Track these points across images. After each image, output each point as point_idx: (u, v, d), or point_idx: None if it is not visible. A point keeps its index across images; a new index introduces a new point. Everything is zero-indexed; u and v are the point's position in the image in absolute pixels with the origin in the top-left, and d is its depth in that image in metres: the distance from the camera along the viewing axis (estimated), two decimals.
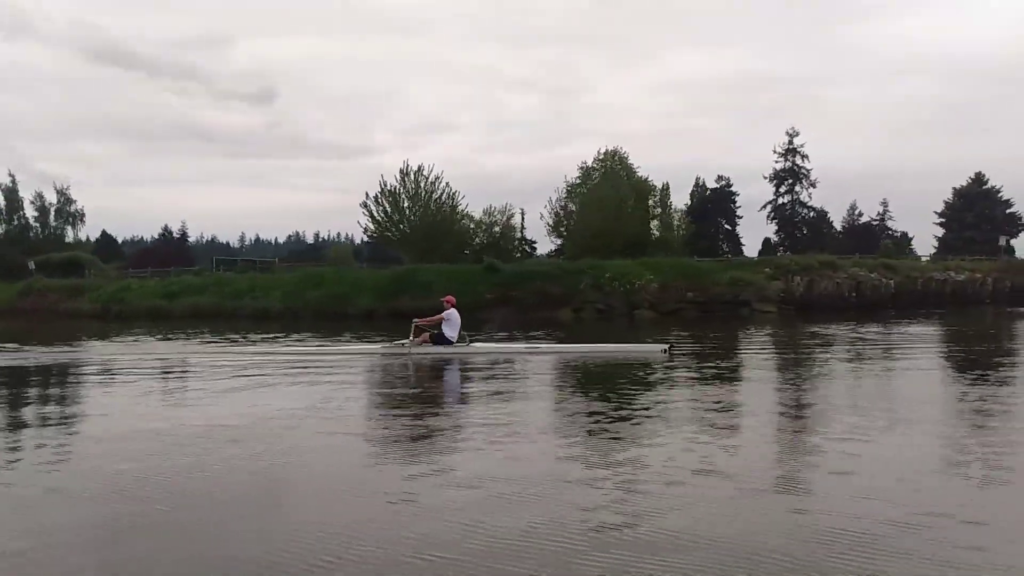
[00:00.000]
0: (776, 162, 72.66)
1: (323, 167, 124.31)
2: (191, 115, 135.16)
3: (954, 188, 58.39)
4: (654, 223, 70.40)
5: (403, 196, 39.14)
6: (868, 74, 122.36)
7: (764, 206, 74.94)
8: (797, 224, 73.25)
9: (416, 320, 14.24)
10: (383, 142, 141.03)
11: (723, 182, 71.78)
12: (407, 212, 39.24)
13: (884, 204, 69.68)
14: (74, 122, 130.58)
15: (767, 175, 73.51)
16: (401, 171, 39.42)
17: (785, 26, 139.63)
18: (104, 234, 78.89)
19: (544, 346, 14.90)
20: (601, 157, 66.75)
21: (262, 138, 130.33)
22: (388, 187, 39.31)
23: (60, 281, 43.62)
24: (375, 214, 39.40)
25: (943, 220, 59.42)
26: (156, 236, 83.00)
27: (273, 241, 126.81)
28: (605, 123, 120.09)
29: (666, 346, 13.72)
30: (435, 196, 39.94)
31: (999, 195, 56.77)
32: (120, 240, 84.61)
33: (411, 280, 31.06)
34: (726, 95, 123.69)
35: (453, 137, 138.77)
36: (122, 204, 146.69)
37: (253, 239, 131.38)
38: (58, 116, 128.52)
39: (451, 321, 13.95)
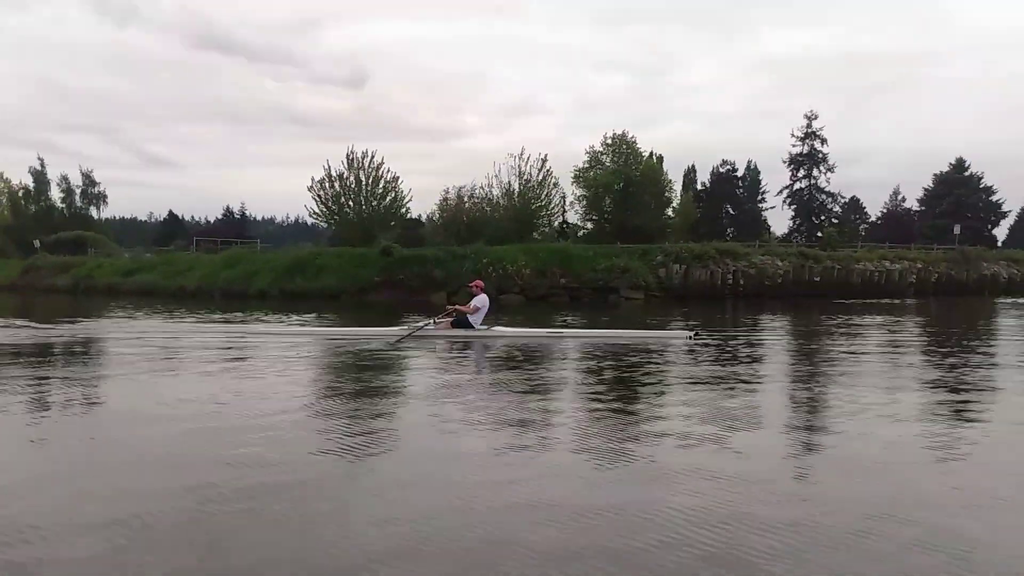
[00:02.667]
0: (793, 146, 71.23)
1: (413, 149, 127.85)
2: (286, 99, 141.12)
3: (934, 174, 56.34)
4: (669, 209, 70.82)
5: (348, 181, 41.03)
6: (976, 51, 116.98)
7: (780, 191, 73.86)
8: (815, 210, 71.51)
9: (449, 307, 14.71)
10: (473, 124, 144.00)
11: (728, 167, 71.02)
12: (349, 198, 41.16)
13: (895, 191, 67.66)
14: (179, 106, 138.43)
15: (784, 159, 72.47)
16: (347, 156, 41.29)
17: (886, 0, 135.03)
18: (171, 214, 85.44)
19: (568, 332, 15.03)
20: (609, 141, 67.40)
21: (354, 121, 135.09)
22: (334, 173, 41.28)
23: (57, 258, 47.57)
24: (321, 200, 41.48)
25: (922, 208, 57.45)
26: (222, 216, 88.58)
27: None
28: (696, 103, 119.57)
29: (691, 332, 13.79)
30: (380, 184, 41.62)
31: (980, 182, 54.43)
32: (213, 219, 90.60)
33: (310, 263, 33.02)
34: (824, 74, 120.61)
35: (541, 118, 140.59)
36: (218, 185, 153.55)
37: None
38: (164, 100, 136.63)
39: (481, 308, 14.02)
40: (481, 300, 14.09)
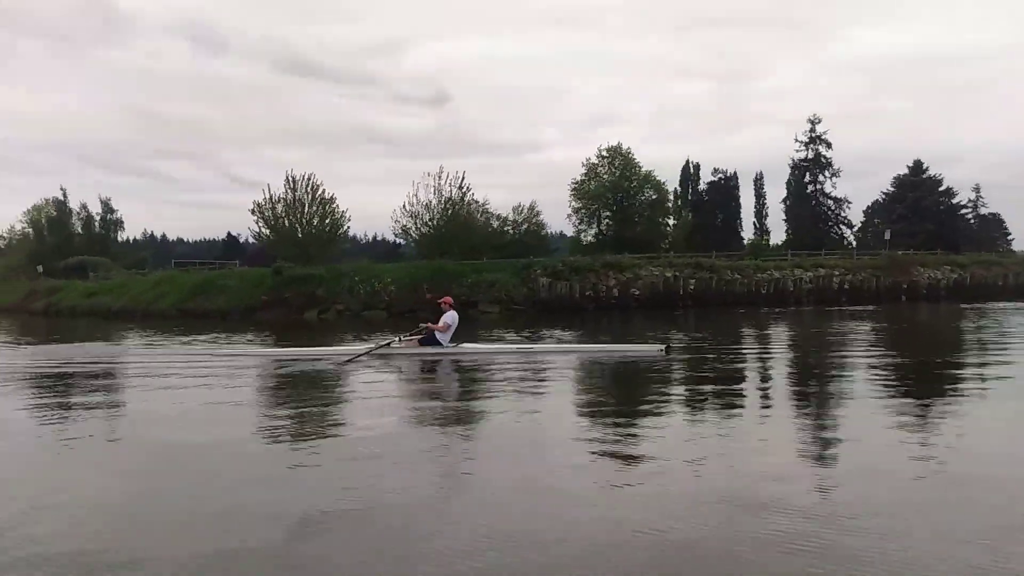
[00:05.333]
0: (797, 151, 69.64)
1: (493, 164, 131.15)
2: (370, 119, 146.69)
3: (895, 177, 54.21)
4: (669, 219, 70.83)
5: (282, 204, 43.23)
6: None
7: (783, 199, 72.30)
8: (822, 216, 69.42)
9: (422, 324, 14.20)
10: (551, 137, 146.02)
11: (720, 175, 69.99)
12: (286, 219, 43.35)
13: (976, 189, 64.90)
14: (267, 130, 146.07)
15: (789, 163, 70.92)
16: (287, 179, 43.54)
17: None
18: (228, 235, 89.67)
19: (537, 347, 14.84)
20: (604, 153, 67.96)
21: (436, 139, 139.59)
22: (274, 196, 43.57)
23: (53, 282, 51.73)
24: (262, 220, 43.83)
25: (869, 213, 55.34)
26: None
27: None
28: (781, 108, 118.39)
29: (663, 346, 13.58)
30: (314, 204, 43.65)
31: (939, 185, 52.05)
32: None
33: (212, 284, 35.18)
34: (915, 74, 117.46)
35: (620, 128, 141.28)
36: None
37: None
38: (254, 125, 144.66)
39: (452, 326, 13.77)
40: (451, 317, 13.76)
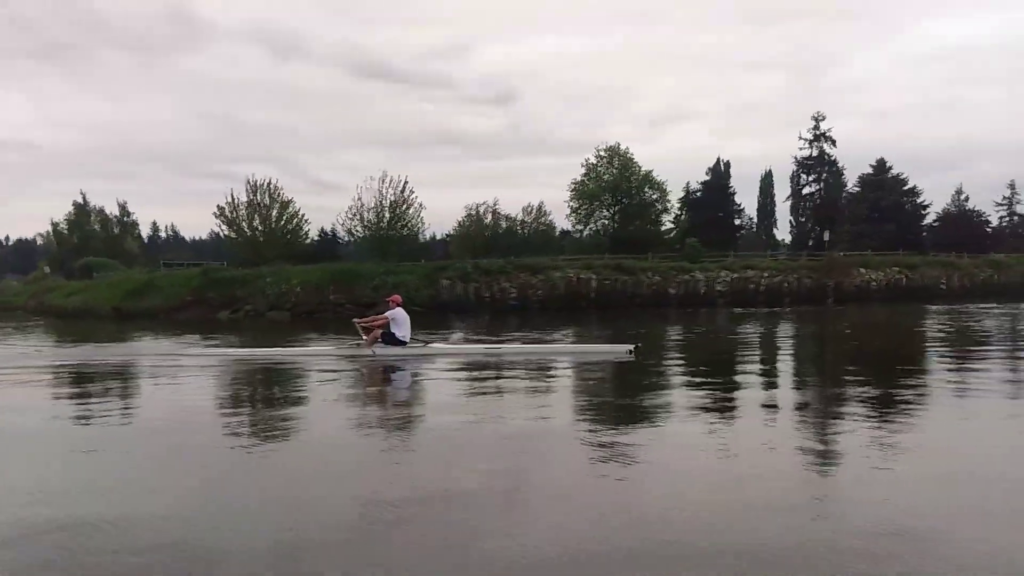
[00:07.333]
0: (801, 148, 68.05)
1: (562, 164, 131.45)
2: (440, 120, 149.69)
3: (860, 176, 52.44)
4: (667, 216, 70.61)
5: (244, 207, 45.09)
6: None
7: (787, 197, 70.81)
8: (837, 213, 67.57)
9: (356, 320, 14.23)
10: (621, 135, 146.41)
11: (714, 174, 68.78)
12: (246, 222, 45.17)
13: (1012, 186, 62.68)
14: (343, 134, 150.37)
15: (795, 161, 69.33)
16: (248, 184, 45.38)
17: None
18: (322, 231, 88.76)
19: (505, 347, 14.86)
20: (602, 153, 68.22)
21: (504, 139, 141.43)
22: (236, 200, 45.46)
23: (56, 282, 54.98)
24: (227, 221, 45.76)
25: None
26: None
27: None
28: (859, 100, 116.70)
29: (632, 347, 13.43)
30: (275, 208, 45.37)
31: (903, 185, 50.13)
32: None
33: (150, 285, 37.04)
34: (997, 64, 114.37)
35: (692, 125, 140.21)
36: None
37: None
38: (330, 128, 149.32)
39: (397, 321, 13.65)
40: (395, 314, 13.69)
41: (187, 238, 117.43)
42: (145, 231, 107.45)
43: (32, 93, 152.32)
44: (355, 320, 14.22)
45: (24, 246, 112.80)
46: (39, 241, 71.61)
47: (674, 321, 25.81)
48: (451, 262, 35.66)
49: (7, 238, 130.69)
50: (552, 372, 11.77)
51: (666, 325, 23.96)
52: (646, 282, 34.30)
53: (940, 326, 21.28)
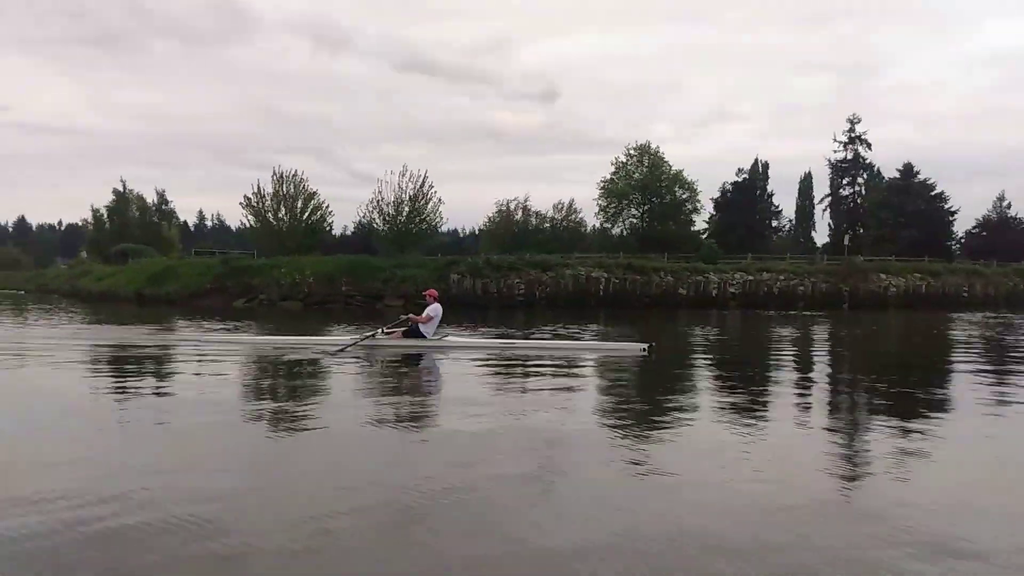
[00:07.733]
0: (836, 151, 66.92)
1: (603, 162, 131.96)
2: (482, 116, 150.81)
3: (886, 180, 51.26)
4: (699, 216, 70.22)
5: (269, 198, 45.99)
6: None
7: (821, 199, 69.73)
8: (863, 218, 66.40)
9: (408, 316, 14.13)
10: (662, 134, 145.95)
11: (743, 175, 67.97)
12: (271, 212, 46.07)
13: None
14: (385, 127, 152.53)
15: (828, 164, 68.15)
16: (273, 174, 46.27)
17: None
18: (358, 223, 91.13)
19: (521, 343, 14.86)
20: (632, 152, 68.14)
21: (545, 135, 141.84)
22: (262, 190, 46.39)
23: (92, 265, 56.75)
24: (253, 211, 46.72)
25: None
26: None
27: None
28: (910, 103, 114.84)
29: (646, 345, 13.29)
30: (300, 200, 46.18)
31: (930, 190, 48.88)
32: None
33: (170, 272, 38.07)
34: None
35: (735, 125, 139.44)
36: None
37: None
38: (372, 121, 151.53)
39: (435, 319, 13.87)
40: (434, 309, 13.79)
41: (232, 227, 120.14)
42: (191, 219, 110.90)
43: (84, 82, 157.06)
44: (409, 316, 14.06)
45: (73, 231, 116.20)
46: (87, 227, 73.53)
47: (674, 321, 25.76)
48: (463, 257, 35.91)
49: (60, 222, 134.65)
50: (571, 369, 11.42)
51: (661, 324, 23.95)
52: (656, 282, 34.18)
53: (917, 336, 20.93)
